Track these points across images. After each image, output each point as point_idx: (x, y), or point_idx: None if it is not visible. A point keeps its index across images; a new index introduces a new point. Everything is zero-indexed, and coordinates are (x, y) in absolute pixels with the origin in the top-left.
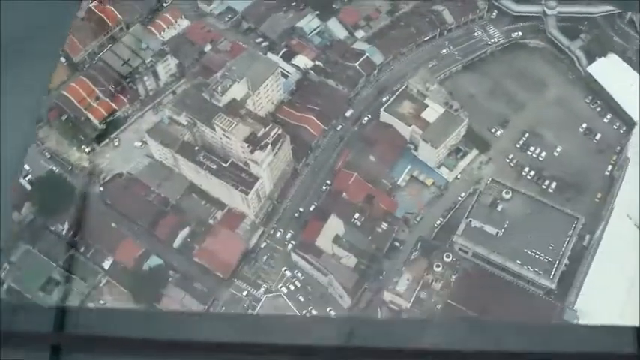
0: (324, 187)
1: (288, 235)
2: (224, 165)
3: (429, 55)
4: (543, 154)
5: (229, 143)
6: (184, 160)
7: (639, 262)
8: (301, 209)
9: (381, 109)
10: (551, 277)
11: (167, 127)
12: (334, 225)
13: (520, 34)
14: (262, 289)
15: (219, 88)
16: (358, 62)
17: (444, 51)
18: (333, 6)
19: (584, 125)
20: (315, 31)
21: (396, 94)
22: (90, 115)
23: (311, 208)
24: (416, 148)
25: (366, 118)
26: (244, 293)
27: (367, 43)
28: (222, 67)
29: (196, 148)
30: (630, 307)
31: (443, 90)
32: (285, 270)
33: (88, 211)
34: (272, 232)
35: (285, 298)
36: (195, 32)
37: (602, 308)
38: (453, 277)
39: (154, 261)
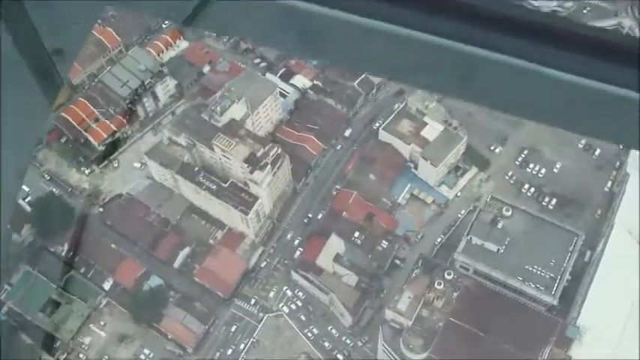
0: (324, 206)
1: (289, 255)
2: (224, 185)
3: None
4: (543, 170)
5: (229, 163)
6: (184, 180)
7: None
8: (301, 228)
9: (380, 128)
10: (553, 293)
11: (166, 148)
12: (335, 244)
13: None
14: (263, 309)
15: (218, 108)
16: (357, 81)
17: None
18: None
19: (583, 141)
20: None
21: (395, 112)
22: (89, 137)
23: (311, 228)
24: (416, 167)
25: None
26: (245, 313)
27: None
28: (221, 87)
29: (196, 168)
30: (632, 323)
31: (442, 108)
32: (286, 289)
33: (87, 232)
34: (272, 251)
35: (287, 317)
36: (194, 53)
37: (604, 324)
38: (455, 294)
39: (154, 281)
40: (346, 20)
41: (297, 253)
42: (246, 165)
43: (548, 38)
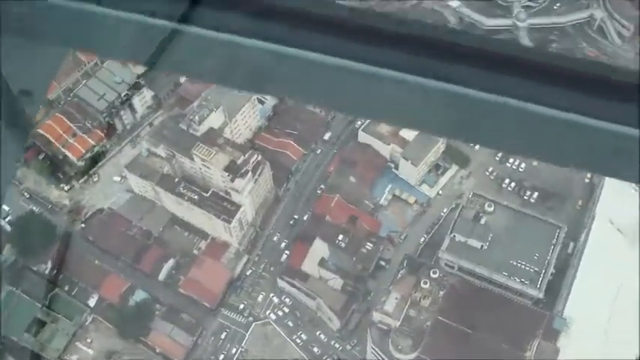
0: (307, 211)
1: (274, 261)
2: (205, 195)
3: None
4: (523, 165)
5: (209, 173)
6: (165, 192)
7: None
8: (285, 234)
9: (359, 130)
10: (538, 286)
11: (146, 160)
12: (319, 248)
13: None
14: (250, 317)
15: (197, 118)
16: None
17: None
18: None
19: None
20: None
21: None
22: (67, 153)
23: (295, 233)
24: (396, 167)
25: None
26: (232, 322)
27: None
28: (198, 96)
29: (176, 179)
30: (619, 313)
31: None
32: (272, 296)
33: (70, 249)
34: (257, 259)
35: (274, 324)
36: None
37: (590, 314)
38: (441, 293)
39: (139, 295)
40: (308, 59)
41: (282, 259)
42: (227, 173)
43: (542, 76)
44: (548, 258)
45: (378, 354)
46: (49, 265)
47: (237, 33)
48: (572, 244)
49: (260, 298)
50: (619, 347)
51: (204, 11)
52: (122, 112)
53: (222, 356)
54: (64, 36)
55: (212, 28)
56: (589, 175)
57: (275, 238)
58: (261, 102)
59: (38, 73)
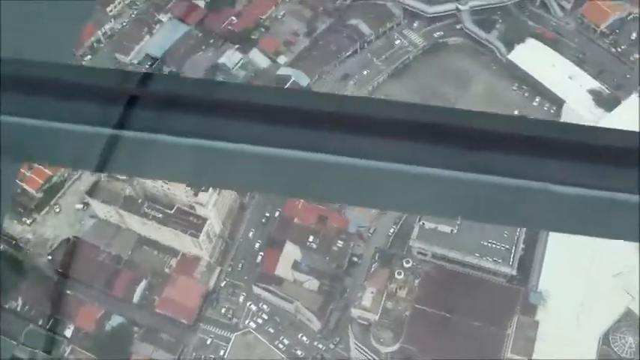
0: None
1: (247, 270)
2: (170, 212)
3: (354, 69)
4: None
5: (171, 190)
6: (129, 214)
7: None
8: (255, 241)
9: None
10: (511, 263)
11: (107, 185)
12: (291, 251)
13: (439, 34)
14: (230, 328)
15: None
16: (285, 88)
17: (368, 63)
18: (252, 37)
19: (516, 112)
20: (238, 65)
21: None
22: (25, 186)
23: (265, 240)
24: None
25: None
26: (213, 336)
27: (291, 67)
28: None
29: (139, 200)
30: (593, 281)
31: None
32: (249, 305)
33: (39, 282)
34: (230, 269)
35: (255, 332)
36: None
37: (564, 285)
38: (416, 281)
39: (115, 320)
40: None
41: (256, 266)
42: (190, 188)
43: (539, 151)
44: (517, 234)
45: (361, 349)
46: (20, 301)
47: (176, 134)
48: None
49: (237, 308)
50: (596, 314)
51: (140, 114)
52: None
53: None
54: (14, 151)
55: (151, 131)
56: None
57: (245, 247)
58: None
59: None
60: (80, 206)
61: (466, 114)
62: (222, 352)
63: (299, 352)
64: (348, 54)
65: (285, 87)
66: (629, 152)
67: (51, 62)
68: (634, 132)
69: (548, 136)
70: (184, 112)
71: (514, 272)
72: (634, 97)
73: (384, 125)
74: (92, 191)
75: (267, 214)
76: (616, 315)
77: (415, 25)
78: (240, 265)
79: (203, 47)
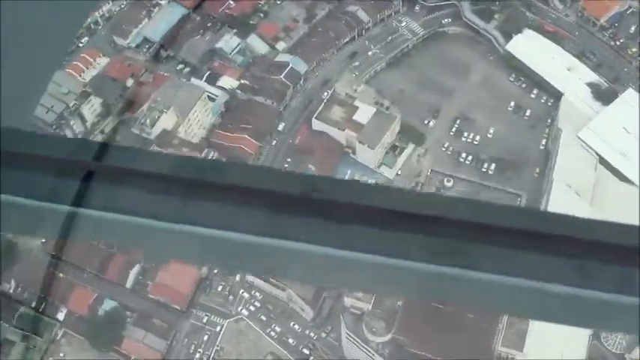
0: None
1: None
2: None
3: (352, 56)
4: (478, 137)
5: None
6: None
7: None
8: None
9: (313, 118)
10: None
11: None
12: None
13: (439, 23)
14: (222, 315)
15: (148, 121)
16: (283, 74)
17: (366, 50)
18: (251, 22)
19: (513, 103)
20: (236, 50)
21: (325, 100)
22: None
23: None
24: (353, 152)
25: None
26: (205, 321)
27: (289, 53)
28: (148, 99)
29: None
30: None
31: (371, 90)
32: (242, 292)
33: (32, 265)
34: None
35: (247, 320)
36: (116, 68)
37: None
38: None
39: (108, 304)
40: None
41: None
42: None
43: (530, 245)
44: None
45: (353, 339)
46: (13, 284)
47: (131, 213)
48: None
49: (230, 295)
50: None
51: (96, 192)
52: (72, 123)
53: (197, 356)
54: None
55: (104, 209)
56: (543, 142)
57: None
58: (211, 99)
59: None
60: None
61: (454, 203)
62: (213, 339)
63: (290, 340)
64: (346, 41)
65: (283, 75)
66: (629, 250)
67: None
68: (635, 227)
69: (540, 230)
70: (134, 188)
71: None
72: (631, 90)
73: (360, 212)
74: None
75: None
76: None
77: (414, 12)
78: None
79: (201, 31)
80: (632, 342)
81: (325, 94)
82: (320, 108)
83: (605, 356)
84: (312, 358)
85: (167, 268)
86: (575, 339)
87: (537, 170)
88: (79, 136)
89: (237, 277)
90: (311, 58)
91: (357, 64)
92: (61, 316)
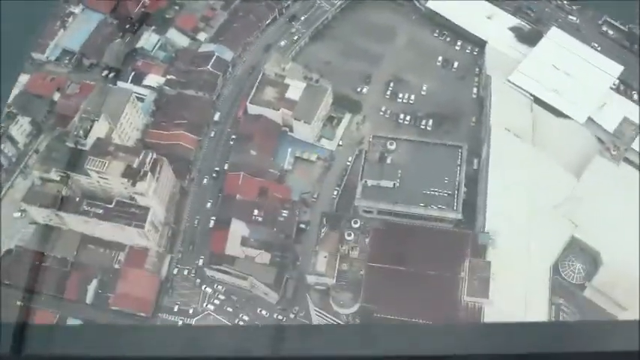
0: (216, 195)
1: (198, 253)
2: (110, 206)
3: (276, 36)
4: (412, 96)
5: (108, 183)
6: (69, 214)
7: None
8: (202, 223)
9: (247, 102)
10: (455, 208)
11: (41, 188)
12: (238, 228)
13: None
14: (189, 314)
15: (81, 132)
16: (210, 64)
17: (289, 28)
18: (167, 16)
19: (440, 58)
20: (157, 47)
21: (256, 83)
22: None
23: (211, 219)
24: (291, 129)
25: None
26: (173, 324)
27: (212, 42)
28: (77, 110)
29: (77, 198)
30: (535, 212)
31: (299, 66)
32: (205, 288)
33: None
34: (180, 255)
35: (215, 314)
36: (38, 84)
37: (510, 222)
38: (366, 240)
39: (72, 324)
40: None
41: (205, 248)
42: (126, 179)
43: None
44: (458, 179)
45: (322, 314)
46: None
47: None
48: (476, 160)
49: (193, 293)
50: (544, 246)
51: None
52: (3, 147)
53: None
54: None
55: None
56: (475, 92)
57: (192, 230)
58: (141, 100)
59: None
60: (18, 214)
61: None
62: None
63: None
64: (268, 22)
65: (210, 64)
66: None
67: None
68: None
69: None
70: None
71: (460, 216)
72: (555, 29)
73: None
74: (27, 197)
75: (209, 194)
76: (562, 244)
77: None
78: (190, 250)
79: (120, 34)
80: (592, 271)
81: (255, 77)
82: (253, 92)
83: (567, 288)
84: None
85: (126, 277)
86: (536, 277)
87: (473, 119)
88: (13, 159)
89: (198, 275)
90: (235, 44)
91: (282, 43)
92: None
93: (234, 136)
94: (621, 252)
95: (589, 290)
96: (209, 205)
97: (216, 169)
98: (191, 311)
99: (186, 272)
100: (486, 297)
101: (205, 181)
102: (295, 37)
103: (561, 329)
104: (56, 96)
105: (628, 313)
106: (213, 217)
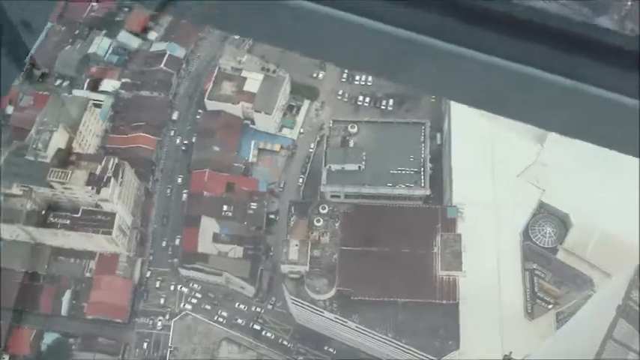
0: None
1: (169, 254)
2: (76, 216)
3: None
4: (370, 77)
5: (73, 193)
6: (35, 228)
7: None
8: (170, 224)
9: (205, 99)
10: (423, 185)
11: (5, 205)
12: (208, 225)
13: None
14: (167, 316)
15: (40, 144)
16: (163, 63)
17: None
18: (117, 19)
19: None
20: (110, 51)
21: (213, 78)
22: None
23: (179, 219)
24: (252, 122)
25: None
26: (151, 328)
27: (164, 41)
28: (34, 122)
29: (42, 211)
30: (500, 183)
31: (254, 58)
32: (180, 288)
33: None
34: (151, 258)
35: (192, 313)
36: None
37: (476, 193)
38: (337, 224)
39: (49, 337)
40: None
41: (177, 248)
42: (90, 187)
43: (542, 38)
44: (423, 155)
45: (299, 303)
46: None
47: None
48: (438, 135)
49: (169, 294)
50: (512, 214)
51: None
52: None
53: None
54: None
55: None
56: None
57: (161, 231)
58: (98, 106)
59: (37, 7)
60: None
61: None
62: (165, 342)
63: (240, 321)
64: None
65: (163, 64)
66: (630, 55)
67: None
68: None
69: (547, 24)
70: None
71: (428, 192)
72: None
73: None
74: None
75: (175, 193)
76: (531, 210)
77: None
78: (161, 252)
79: (70, 40)
80: (562, 233)
81: (212, 72)
82: (209, 87)
83: (539, 252)
84: (264, 331)
85: (99, 285)
86: (507, 246)
87: (433, 96)
88: None
89: (172, 276)
90: (187, 40)
91: (236, 36)
92: None
93: (195, 134)
94: (590, 212)
95: (561, 253)
96: (176, 204)
97: (180, 168)
98: (168, 313)
99: (159, 274)
100: (460, 269)
101: (170, 180)
102: None
103: None
104: (9, 110)
105: (599, 271)
106: (182, 216)
